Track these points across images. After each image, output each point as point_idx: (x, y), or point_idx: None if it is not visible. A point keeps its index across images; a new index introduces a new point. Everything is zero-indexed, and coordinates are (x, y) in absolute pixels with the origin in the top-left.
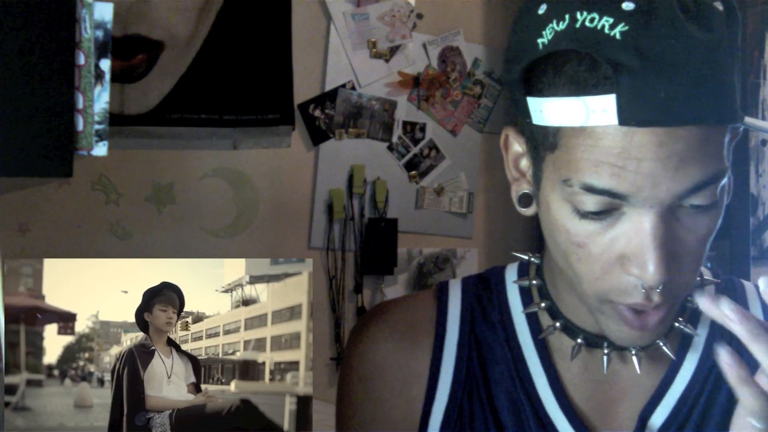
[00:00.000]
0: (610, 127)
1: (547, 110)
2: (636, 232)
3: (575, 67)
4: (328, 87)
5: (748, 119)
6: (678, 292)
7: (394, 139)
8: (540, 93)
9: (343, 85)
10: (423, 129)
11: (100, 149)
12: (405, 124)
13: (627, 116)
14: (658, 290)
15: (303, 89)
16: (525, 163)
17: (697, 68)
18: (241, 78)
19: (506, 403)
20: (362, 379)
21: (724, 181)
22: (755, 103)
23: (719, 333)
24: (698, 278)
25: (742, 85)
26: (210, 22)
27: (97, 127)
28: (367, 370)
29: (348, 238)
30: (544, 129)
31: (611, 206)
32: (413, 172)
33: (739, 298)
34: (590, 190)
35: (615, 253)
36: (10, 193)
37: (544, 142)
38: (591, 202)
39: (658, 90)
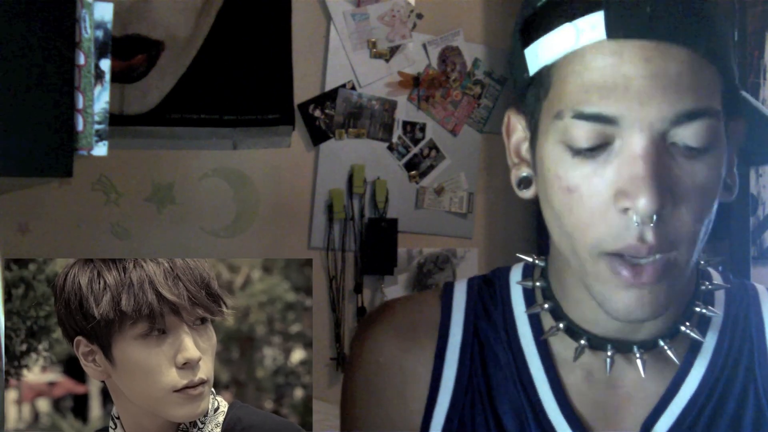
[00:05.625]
0: (600, 47)
1: (542, 50)
2: (628, 162)
3: (569, 2)
4: (328, 87)
5: (745, 94)
6: (675, 238)
7: (394, 139)
8: (536, 36)
9: (343, 85)
10: (423, 129)
11: (100, 149)
12: (405, 124)
13: (615, 27)
14: (651, 225)
15: (303, 89)
16: (525, 149)
17: None
18: (241, 78)
19: (509, 409)
20: (365, 379)
21: (718, 127)
22: None
23: (728, 340)
24: (707, 283)
25: (741, 85)
26: (210, 22)
27: (97, 127)
28: (371, 370)
29: (348, 238)
30: (539, 80)
31: (603, 140)
32: (413, 172)
33: (752, 302)
34: (581, 116)
35: (607, 194)
36: (10, 193)
37: (538, 95)
38: (583, 136)
39: (645, 5)
